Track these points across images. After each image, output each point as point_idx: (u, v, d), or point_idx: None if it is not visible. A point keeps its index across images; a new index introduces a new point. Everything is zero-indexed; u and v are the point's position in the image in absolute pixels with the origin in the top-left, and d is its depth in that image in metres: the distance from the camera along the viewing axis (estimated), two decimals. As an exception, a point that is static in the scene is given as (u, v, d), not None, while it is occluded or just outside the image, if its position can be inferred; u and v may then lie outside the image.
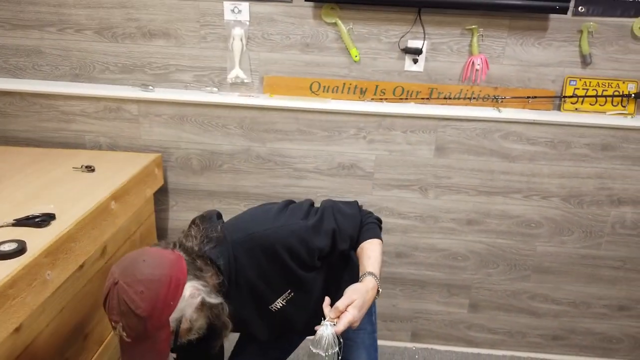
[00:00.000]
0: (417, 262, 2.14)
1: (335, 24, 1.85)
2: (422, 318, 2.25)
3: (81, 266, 1.41)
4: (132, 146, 2.02)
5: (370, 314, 1.43)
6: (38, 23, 1.92)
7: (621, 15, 1.80)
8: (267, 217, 1.22)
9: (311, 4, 1.83)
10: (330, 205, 1.28)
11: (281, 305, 1.25)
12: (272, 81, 1.94)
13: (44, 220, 1.31)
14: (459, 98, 1.92)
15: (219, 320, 1.11)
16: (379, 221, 1.33)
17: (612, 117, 1.89)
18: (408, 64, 1.89)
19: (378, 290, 1.14)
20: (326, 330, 1.01)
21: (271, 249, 1.16)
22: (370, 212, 1.34)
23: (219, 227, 1.19)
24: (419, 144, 1.96)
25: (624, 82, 1.87)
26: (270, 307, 1.25)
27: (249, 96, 1.94)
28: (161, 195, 2.08)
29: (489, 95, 1.91)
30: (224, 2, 1.85)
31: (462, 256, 2.12)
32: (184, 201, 2.11)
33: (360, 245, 1.25)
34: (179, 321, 1.04)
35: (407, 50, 1.86)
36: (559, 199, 2.01)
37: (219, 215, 1.27)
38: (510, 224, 2.05)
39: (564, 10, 1.75)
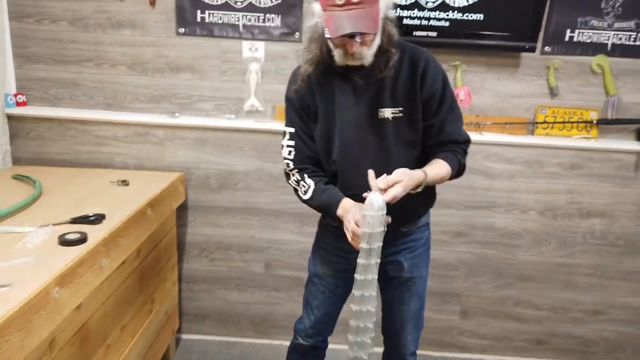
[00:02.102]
0: (412, 272, 2.36)
1: (338, 60, 2.14)
2: (417, 325, 2.44)
3: (123, 263, 1.62)
4: (157, 167, 2.26)
5: (426, 257, 1.61)
6: (77, 59, 2.19)
7: (581, 54, 2.12)
8: None
9: (318, 43, 2.13)
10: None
11: (387, 116, 1.39)
12: (283, 109, 2.20)
13: (97, 218, 1.53)
14: (446, 124, 2.20)
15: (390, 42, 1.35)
16: (463, 166, 1.46)
17: (578, 140, 2.18)
18: (401, 94, 2.18)
19: (418, 187, 1.30)
20: (375, 197, 1.21)
21: (418, 54, 1.39)
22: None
23: None
24: (412, 164, 2.22)
25: (586, 110, 2.18)
26: (380, 109, 1.39)
27: (263, 122, 2.21)
28: (181, 212, 2.30)
29: (472, 122, 2.20)
30: (243, 42, 2.15)
31: (452, 266, 2.35)
32: (202, 217, 2.33)
33: (437, 159, 1.39)
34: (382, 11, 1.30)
35: (401, 83, 2.16)
36: (535, 213, 2.27)
37: None
38: (495, 235, 2.30)
39: (532, 50, 2.07)
